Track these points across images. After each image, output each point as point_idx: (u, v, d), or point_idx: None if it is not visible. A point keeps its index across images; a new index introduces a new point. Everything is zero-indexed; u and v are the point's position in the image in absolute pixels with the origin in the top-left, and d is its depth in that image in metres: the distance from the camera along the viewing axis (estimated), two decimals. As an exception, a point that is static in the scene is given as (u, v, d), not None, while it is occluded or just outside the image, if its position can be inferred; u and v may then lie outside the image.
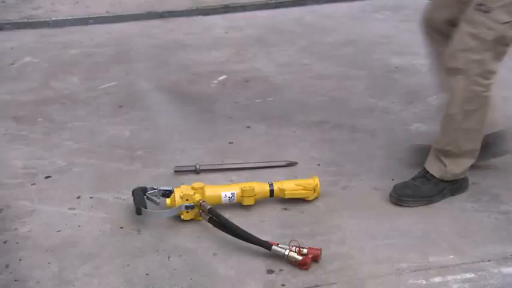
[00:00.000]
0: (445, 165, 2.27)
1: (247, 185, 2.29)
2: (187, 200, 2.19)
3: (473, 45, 2.09)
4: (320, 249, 1.99)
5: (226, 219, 2.11)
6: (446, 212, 2.26)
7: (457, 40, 2.13)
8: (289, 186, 2.32)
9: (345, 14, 5.36)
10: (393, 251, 2.04)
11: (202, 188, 2.23)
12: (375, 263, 1.99)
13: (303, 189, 2.31)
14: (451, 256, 2.01)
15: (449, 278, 1.91)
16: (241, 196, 2.28)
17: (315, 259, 1.97)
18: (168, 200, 2.25)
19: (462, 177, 2.34)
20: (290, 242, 2.00)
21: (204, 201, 2.18)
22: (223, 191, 2.29)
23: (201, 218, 2.20)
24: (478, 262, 1.97)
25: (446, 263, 1.97)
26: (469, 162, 2.31)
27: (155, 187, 2.32)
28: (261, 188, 2.31)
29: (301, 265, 1.95)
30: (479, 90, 2.14)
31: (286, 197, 2.31)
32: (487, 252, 2.02)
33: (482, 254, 2.01)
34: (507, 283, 1.88)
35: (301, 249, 1.97)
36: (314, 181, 2.34)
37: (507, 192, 2.37)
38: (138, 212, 2.19)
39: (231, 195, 2.28)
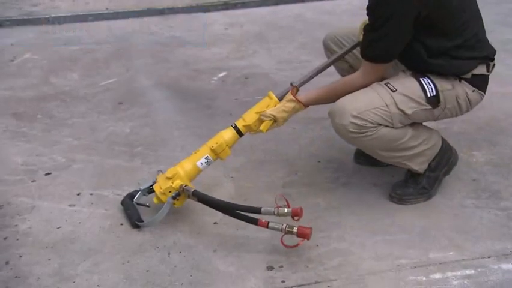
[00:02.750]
0: (410, 166, 2.24)
1: (213, 143, 2.24)
2: (170, 192, 2.17)
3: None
4: (311, 228, 1.97)
5: (212, 198, 2.11)
6: (446, 209, 2.26)
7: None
8: (251, 117, 2.27)
9: (346, 10, 5.36)
10: (393, 247, 2.05)
11: (176, 173, 2.19)
12: (375, 259, 1.99)
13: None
14: (451, 252, 2.01)
15: (449, 274, 1.91)
16: (215, 155, 2.24)
17: (305, 237, 1.95)
18: (155, 199, 2.22)
19: (439, 154, 2.28)
20: (276, 198, 2.00)
21: (186, 186, 2.16)
22: (197, 160, 2.23)
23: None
24: (478, 258, 1.97)
25: (446, 259, 1.97)
26: (428, 152, 2.23)
27: (138, 189, 2.31)
28: (227, 135, 2.25)
29: (294, 216, 1.96)
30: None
31: (257, 128, 2.26)
32: (487, 248, 2.02)
33: (482, 251, 2.01)
34: (507, 279, 1.88)
35: (291, 228, 1.95)
36: (272, 99, 2.28)
37: (507, 188, 2.37)
38: (134, 226, 2.20)
39: (206, 160, 2.24)
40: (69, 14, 5.42)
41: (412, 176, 2.31)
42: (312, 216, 2.24)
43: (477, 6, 2.17)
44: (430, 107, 2.09)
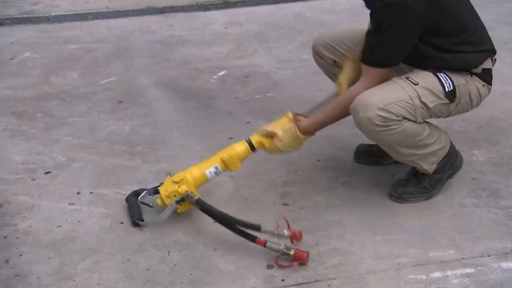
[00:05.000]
0: (422, 166, 2.24)
1: (225, 154, 2.23)
2: (174, 196, 2.17)
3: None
4: (307, 252, 1.96)
5: (214, 209, 2.09)
6: (446, 208, 2.26)
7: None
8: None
9: (346, 10, 5.36)
10: (393, 247, 2.05)
11: (184, 178, 2.18)
12: (375, 258, 1.99)
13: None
14: (451, 251, 2.01)
15: (449, 273, 1.91)
16: (225, 166, 2.23)
17: (302, 262, 1.95)
18: (159, 201, 2.22)
19: (446, 156, 2.27)
20: (277, 222, 1.99)
21: (190, 192, 2.15)
22: (206, 168, 2.23)
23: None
24: (478, 257, 1.98)
25: (445, 258, 1.97)
26: (439, 152, 2.23)
27: (145, 187, 2.31)
28: (239, 149, 2.24)
29: (293, 239, 1.97)
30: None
31: (269, 146, 2.24)
32: (487, 247, 2.02)
33: (482, 249, 2.01)
34: (506, 278, 1.88)
35: (288, 250, 1.95)
36: (288, 117, 2.25)
37: (507, 187, 2.38)
38: (135, 225, 2.20)
39: (215, 170, 2.23)
40: (69, 13, 5.42)
41: (415, 175, 2.30)
42: (312, 215, 2.25)
43: (470, 4, 2.18)
44: (448, 101, 2.10)
